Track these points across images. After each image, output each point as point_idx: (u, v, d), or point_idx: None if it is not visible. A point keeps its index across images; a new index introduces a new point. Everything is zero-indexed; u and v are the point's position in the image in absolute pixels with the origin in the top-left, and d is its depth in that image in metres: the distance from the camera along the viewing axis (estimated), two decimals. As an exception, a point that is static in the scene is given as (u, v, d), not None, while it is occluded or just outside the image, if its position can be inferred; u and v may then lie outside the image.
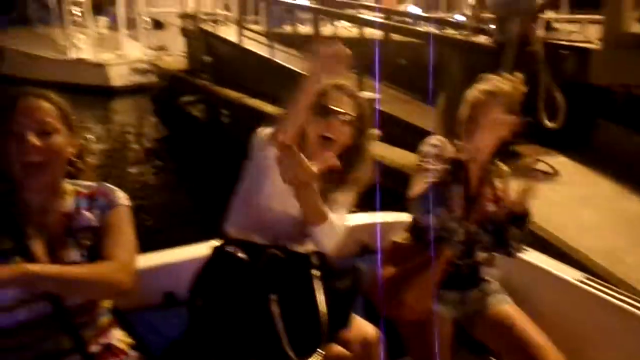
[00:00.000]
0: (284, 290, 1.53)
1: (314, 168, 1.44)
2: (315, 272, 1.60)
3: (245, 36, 8.89)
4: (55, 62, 15.85)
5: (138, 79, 14.81)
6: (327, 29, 8.82)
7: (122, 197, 1.49)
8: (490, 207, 1.90)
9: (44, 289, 1.30)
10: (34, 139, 1.33)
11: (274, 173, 1.47)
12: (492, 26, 5.80)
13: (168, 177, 8.72)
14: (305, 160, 1.41)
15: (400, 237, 1.99)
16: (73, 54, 15.96)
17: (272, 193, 1.61)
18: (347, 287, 1.66)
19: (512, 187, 1.91)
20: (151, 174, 8.87)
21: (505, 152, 1.95)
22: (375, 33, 7.24)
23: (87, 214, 1.45)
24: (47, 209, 1.41)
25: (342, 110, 1.65)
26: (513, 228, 1.87)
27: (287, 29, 9.71)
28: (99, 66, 15.45)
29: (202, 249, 1.93)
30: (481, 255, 1.96)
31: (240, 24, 9.03)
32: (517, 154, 2.03)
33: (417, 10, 11.29)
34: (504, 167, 1.98)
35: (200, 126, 8.70)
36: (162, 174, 8.86)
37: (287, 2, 9.92)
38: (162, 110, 10.83)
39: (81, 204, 1.46)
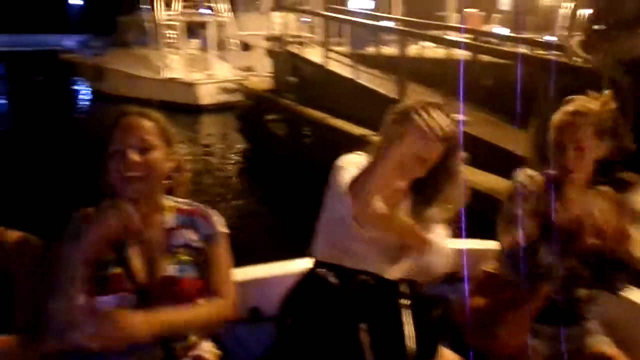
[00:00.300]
0: (373, 318, 1.52)
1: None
2: (404, 302, 1.57)
3: (329, 58, 9.01)
4: (150, 81, 16.84)
5: (225, 97, 15.42)
6: (411, 50, 8.77)
7: (220, 223, 1.56)
8: (591, 240, 1.78)
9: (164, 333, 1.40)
10: (134, 155, 1.40)
11: None
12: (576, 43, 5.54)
13: (251, 195, 8.92)
14: (373, 204, 1.46)
15: (491, 266, 1.91)
16: (166, 74, 16.90)
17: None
18: (436, 319, 1.62)
19: (613, 220, 1.78)
20: (234, 190, 9.12)
21: (607, 181, 1.83)
22: (461, 53, 7.10)
23: (187, 232, 1.50)
24: (148, 223, 1.47)
25: (438, 131, 1.60)
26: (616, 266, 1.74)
27: (371, 50, 9.75)
28: (189, 85, 16.25)
29: (286, 267, 1.97)
30: (581, 291, 1.84)
31: (325, 46, 9.17)
32: (620, 183, 1.89)
33: (504, 31, 11.01)
34: (606, 195, 1.85)
35: (284, 144, 8.89)
36: (245, 191, 9.09)
37: (371, 24, 9.98)
38: (247, 128, 11.20)
39: (181, 222, 1.51)
